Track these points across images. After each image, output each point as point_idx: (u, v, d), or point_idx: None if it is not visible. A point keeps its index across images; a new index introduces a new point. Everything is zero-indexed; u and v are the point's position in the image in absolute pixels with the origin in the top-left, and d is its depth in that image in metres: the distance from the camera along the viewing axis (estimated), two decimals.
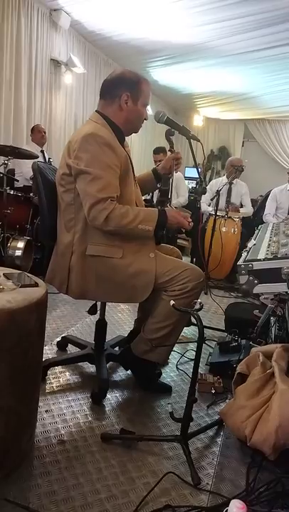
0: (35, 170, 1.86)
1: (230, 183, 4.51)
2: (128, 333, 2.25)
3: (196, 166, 1.96)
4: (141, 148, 7.90)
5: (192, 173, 8.14)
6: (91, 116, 1.84)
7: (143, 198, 2.06)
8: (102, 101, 1.80)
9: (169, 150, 2.09)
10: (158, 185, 2.11)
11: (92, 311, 2.01)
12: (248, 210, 4.71)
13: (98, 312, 2.05)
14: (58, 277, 1.80)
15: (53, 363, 2.01)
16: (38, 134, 4.35)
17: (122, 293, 1.75)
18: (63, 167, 1.73)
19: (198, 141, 2.02)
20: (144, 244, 1.76)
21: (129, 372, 2.09)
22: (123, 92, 1.73)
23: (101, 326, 2.07)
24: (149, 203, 4.50)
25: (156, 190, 2.31)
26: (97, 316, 2.06)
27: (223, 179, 4.72)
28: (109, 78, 1.79)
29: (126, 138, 1.89)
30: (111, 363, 2.16)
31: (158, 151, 4.96)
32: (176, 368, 2.22)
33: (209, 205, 4.41)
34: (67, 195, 1.74)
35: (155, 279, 1.71)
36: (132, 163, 1.84)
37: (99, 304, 2.04)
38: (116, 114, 1.77)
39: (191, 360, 2.27)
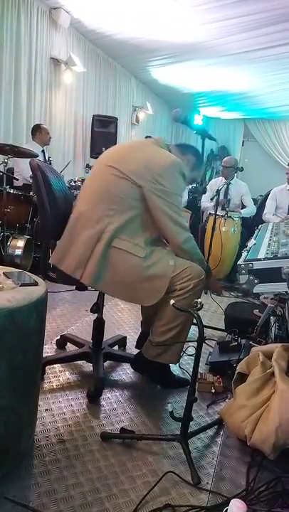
0: (35, 167, 1.83)
1: (229, 183, 4.50)
2: (127, 334, 2.26)
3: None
4: None
5: None
6: (171, 146, 1.94)
7: None
8: (173, 148, 1.96)
9: None
10: None
11: (94, 309, 2.01)
12: (250, 210, 4.70)
13: (92, 310, 2.05)
14: (74, 260, 1.72)
15: (50, 361, 2.01)
16: (46, 135, 4.33)
17: (132, 292, 1.72)
18: (134, 167, 1.73)
19: (215, 140, 2.15)
20: (166, 250, 1.81)
21: (129, 371, 2.09)
22: (191, 156, 1.95)
23: (98, 325, 2.06)
24: None
25: None
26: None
27: (223, 178, 4.72)
28: (186, 143, 2.08)
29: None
30: (111, 362, 2.16)
31: None
32: (179, 367, 2.22)
33: (212, 200, 4.35)
34: (126, 192, 1.72)
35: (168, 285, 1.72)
36: None
37: (110, 303, 2.03)
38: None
39: (190, 355, 2.27)
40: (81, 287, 2.00)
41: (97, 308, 2.01)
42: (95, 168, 1.90)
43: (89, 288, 1.98)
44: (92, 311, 2.01)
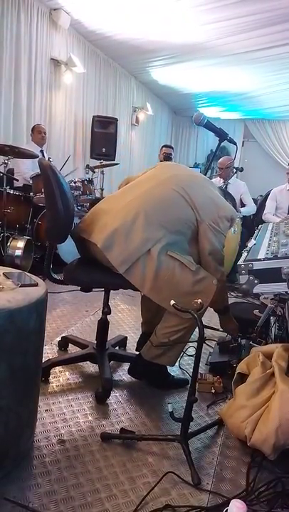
0: (47, 166, 1.74)
1: (227, 183, 4.49)
2: (126, 334, 2.24)
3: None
4: (141, 148, 7.91)
5: None
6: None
7: None
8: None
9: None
10: None
11: (106, 311, 2.01)
12: (250, 208, 4.69)
13: (99, 311, 2.04)
14: (123, 255, 1.69)
15: (55, 363, 2.01)
16: (37, 135, 4.34)
17: (171, 299, 1.65)
18: (198, 195, 1.82)
19: (235, 144, 2.23)
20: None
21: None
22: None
23: (103, 326, 2.06)
24: None
25: None
26: (97, 316, 2.06)
27: (221, 179, 4.70)
28: None
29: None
30: (111, 362, 2.16)
31: (170, 145, 5.70)
32: (179, 367, 2.22)
33: None
34: (185, 214, 1.79)
35: None
36: None
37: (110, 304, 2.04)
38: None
39: (190, 356, 2.27)
40: (86, 288, 2.00)
41: (109, 309, 2.00)
42: (159, 175, 1.93)
43: (93, 289, 1.98)
44: (104, 313, 2.01)
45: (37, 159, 3.61)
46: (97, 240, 1.73)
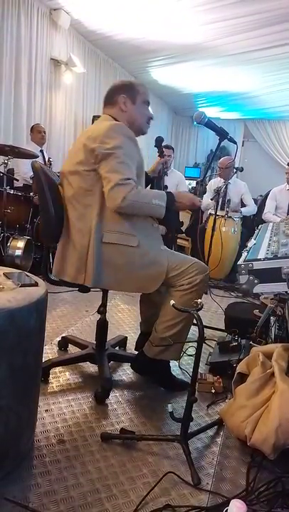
0: (38, 169, 1.80)
1: (228, 183, 4.49)
2: (127, 334, 2.23)
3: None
4: (140, 148, 7.90)
5: (192, 173, 8.25)
6: (104, 117, 1.89)
7: None
8: (106, 108, 1.92)
9: (158, 156, 2.32)
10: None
11: (102, 311, 2.02)
12: (250, 208, 4.69)
13: (99, 311, 2.05)
14: (74, 267, 1.75)
15: (55, 363, 2.01)
16: (37, 135, 4.34)
17: (134, 282, 1.75)
18: (79, 154, 1.73)
19: (235, 143, 2.23)
20: (154, 237, 1.82)
21: (129, 371, 2.09)
22: (120, 95, 1.86)
23: (102, 326, 2.06)
24: None
25: None
26: (97, 316, 2.06)
27: (221, 179, 4.70)
28: (108, 89, 1.93)
29: None
30: (111, 362, 2.16)
31: (170, 146, 5.20)
32: (179, 367, 2.22)
33: (212, 200, 4.32)
34: (85, 181, 1.72)
35: (166, 271, 1.76)
36: None
37: (107, 303, 2.04)
38: (119, 117, 1.85)
39: (190, 356, 2.27)
40: (84, 289, 2.00)
41: (104, 309, 2.01)
42: (62, 177, 1.88)
43: (92, 289, 1.98)
44: (100, 312, 2.01)
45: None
46: (53, 274, 1.82)
